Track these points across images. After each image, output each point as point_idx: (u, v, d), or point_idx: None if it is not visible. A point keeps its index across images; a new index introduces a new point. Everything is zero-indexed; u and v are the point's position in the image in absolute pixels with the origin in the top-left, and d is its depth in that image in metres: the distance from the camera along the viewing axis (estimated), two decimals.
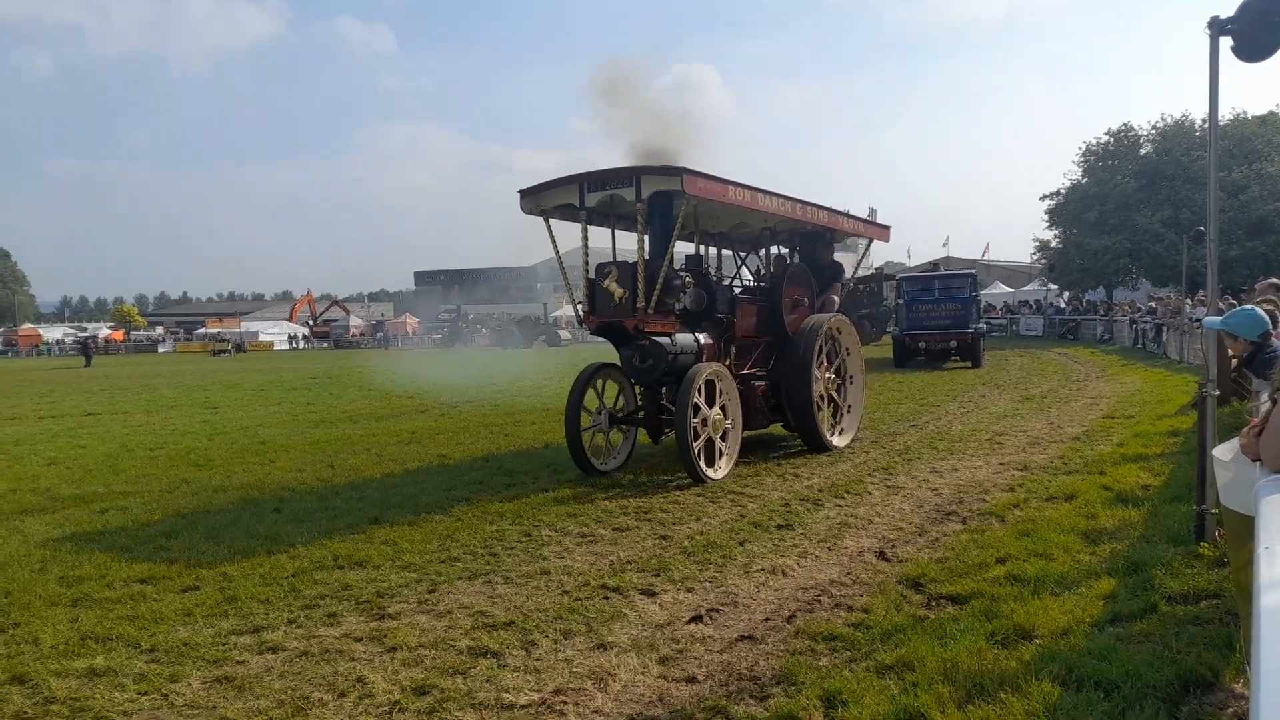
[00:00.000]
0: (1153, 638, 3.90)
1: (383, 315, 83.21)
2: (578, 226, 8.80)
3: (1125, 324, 29.27)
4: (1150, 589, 4.51)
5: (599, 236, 9.32)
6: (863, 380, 10.76)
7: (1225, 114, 38.59)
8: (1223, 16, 4.91)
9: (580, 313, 8.74)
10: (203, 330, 76.31)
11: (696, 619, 4.51)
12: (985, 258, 60.09)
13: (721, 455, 8.39)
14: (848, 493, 7.48)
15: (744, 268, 11.23)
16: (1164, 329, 23.45)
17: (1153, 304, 29.82)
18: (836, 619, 4.45)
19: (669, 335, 8.40)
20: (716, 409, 8.30)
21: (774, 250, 11.38)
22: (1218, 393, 5.56)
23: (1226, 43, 4.94)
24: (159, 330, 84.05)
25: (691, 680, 3.81)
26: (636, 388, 9.03)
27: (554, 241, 8.74)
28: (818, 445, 9.61)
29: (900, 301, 25.01)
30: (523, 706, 3.60)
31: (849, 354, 10.60)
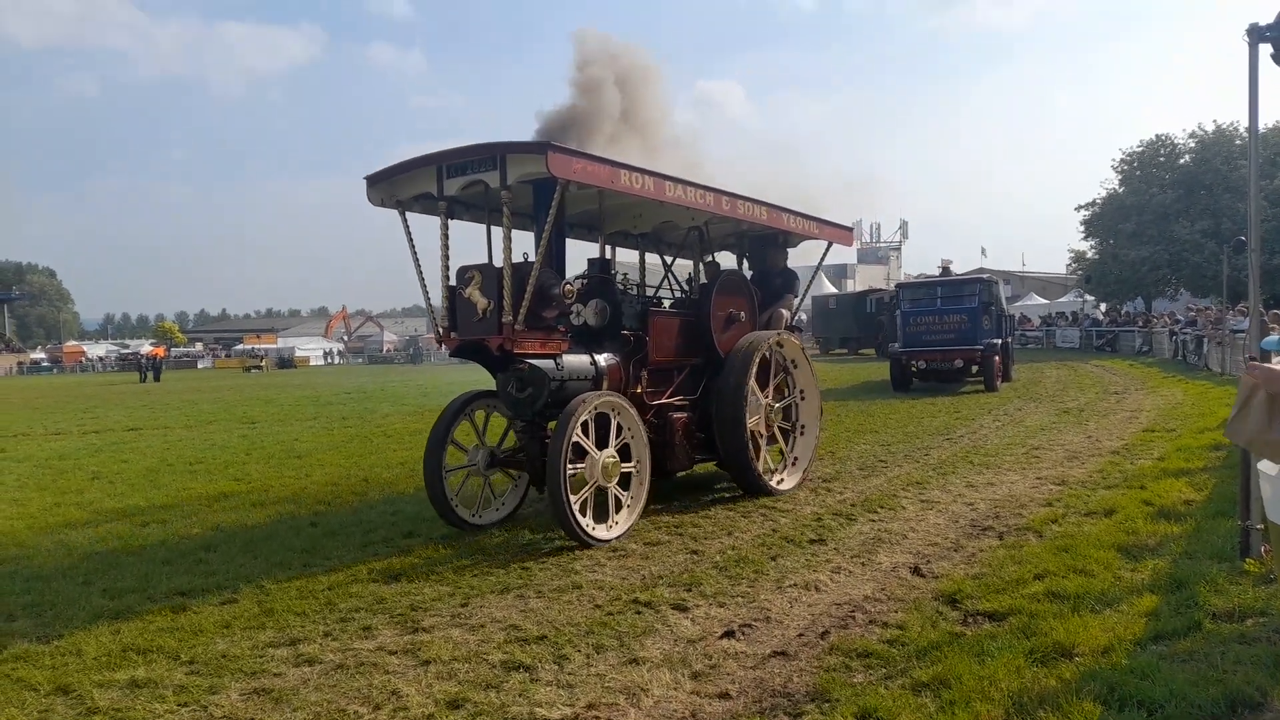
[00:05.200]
0: (1197, 656, 3.82)
1: (416, 331, 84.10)
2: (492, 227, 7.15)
3: (1165, 336, 28.72)
4: (1194, 606, 4.41)
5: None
6: (815, 431, 8.96)
7: (1267, 122, 37.93)
8: (1261, 24, 4.85)
9: (439, 329, 7.16)
10: (240, 346, 77.85)
11: (729, 634, 4.49)
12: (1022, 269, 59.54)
13: (621, 508, 6.77)
14: (881, 507, 7.41)
15: (670, 274, 9.42)
16: (1205, 341, 22.99)
17: (1193, 315, 29.31)
18: (871, 635, 4.41)
19: (554, 357, 6.85)
20: (610, 451, 6.69)
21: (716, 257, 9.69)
22: None
23: (1266, 50, 4.87)
24: (198, 346, 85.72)
25: (724, 696, 3.78)
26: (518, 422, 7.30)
27: (411, 241, 7.14)
28: (753, 488, 7.98)
29: (898, 313, 21.54)
30: None
31: (803, 396, 8.91)
